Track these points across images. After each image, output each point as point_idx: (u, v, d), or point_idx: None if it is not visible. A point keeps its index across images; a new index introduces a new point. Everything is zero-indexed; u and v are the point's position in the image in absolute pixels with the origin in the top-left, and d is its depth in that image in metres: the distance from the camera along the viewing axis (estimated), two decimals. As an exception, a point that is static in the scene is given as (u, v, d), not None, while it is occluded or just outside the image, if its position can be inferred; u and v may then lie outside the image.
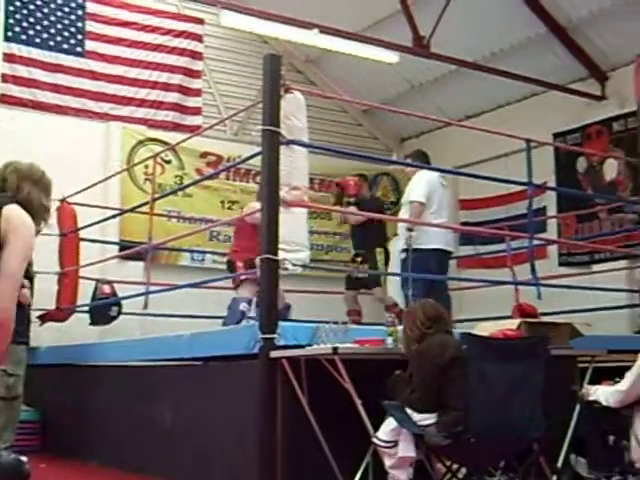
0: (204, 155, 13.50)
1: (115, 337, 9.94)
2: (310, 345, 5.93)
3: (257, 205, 9.50)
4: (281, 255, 6.35)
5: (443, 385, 5.03)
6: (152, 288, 9.36)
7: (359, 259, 9.85)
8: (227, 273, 9.50)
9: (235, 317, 8.52)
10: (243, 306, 8.51)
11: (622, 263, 11.39)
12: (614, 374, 6.26)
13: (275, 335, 6.06)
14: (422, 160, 9.15)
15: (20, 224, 3.72)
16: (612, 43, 11.89)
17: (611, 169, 12.05)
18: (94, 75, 12.84)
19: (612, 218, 10.66)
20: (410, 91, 14.35)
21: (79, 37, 12.78)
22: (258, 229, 8.89)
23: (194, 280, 9.87)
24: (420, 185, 8.75)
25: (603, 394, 6.03)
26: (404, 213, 8.93)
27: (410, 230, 8.62)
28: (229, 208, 13.50)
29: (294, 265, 6.61)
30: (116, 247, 11.83)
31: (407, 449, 5.04)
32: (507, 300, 9.59)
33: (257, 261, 6.48)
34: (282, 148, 6.51)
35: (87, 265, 10.32)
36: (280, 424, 5.99)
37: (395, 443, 5.12)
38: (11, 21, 12.21)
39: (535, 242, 9.28)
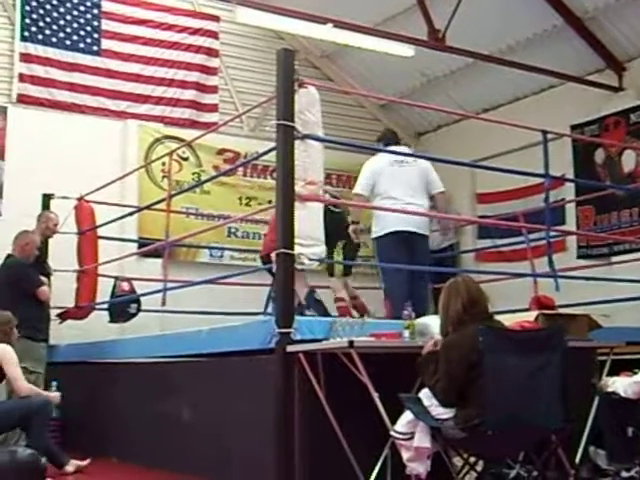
0: (221, 152, 13.54)
1: (134, 334, 9.96)
2: (327, 339, 5.93)
3: None
4: (297, 250, 6.34)
5: (469, 380, 4.98)
6: (170, 285, 9.37)
7: None
8: (245, 269, 9.52)
9: (318, 308, 8.72)
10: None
11: (641, 255, 11.33)
12: (634, 366, 6.24)
13: (291, 330, 6.05)
14: (390, 139, 8.92)
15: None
16: (629, 34, 11.83)
17: (629, 160, 12.00)
18: (110, 73, 12.89)
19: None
20: (426, 85, 14.32)
21: (95, 36, 12.82)
22: None
23: (213, 276, 9.88)
24: (362, 175, 8.59)
25: (621, 385, 6.03)
26: None
27: (354, 223, 8.57)
28: (247, 204, 13.51)
29: (310, 260, 6.61)
30: (134, 245, 11.86)
31: (423, 440, 5.02)
32: (526, 293, 9.52)
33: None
34: (297, 143, 6.50)
35: (106, 263, 10.37)
36: (298, 418, 5.99)
37: (412, 435, 5.09)
38: (27, 21, 12.26)
39: (553, 234, 9.26)
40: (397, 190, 8.38)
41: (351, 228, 8.59)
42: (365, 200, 8.50)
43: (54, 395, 7.84)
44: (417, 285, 8.28)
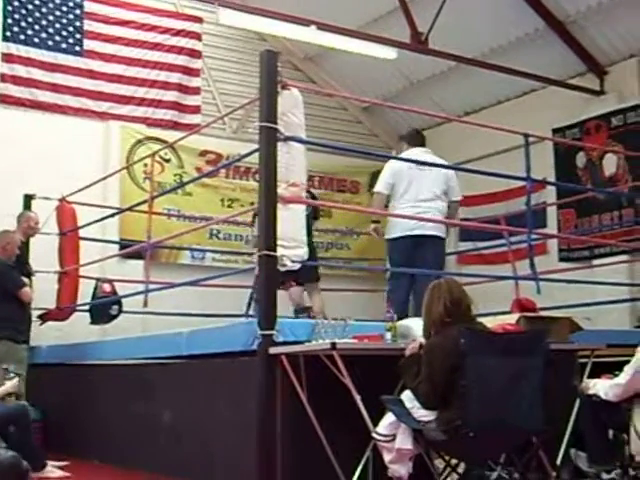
0: (203, 153, 13.53)
1: (116, 336, 9.93)
2: (309, 341, 5.93)
3: None
4: (279, 252, 6.34)
5: (451, 383, 4.98)
6: (152, 286, 9.36)
7: None
8: (227, 270, 9.53)
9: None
10: None
11: (622, 257, 11.39)
12: (615, 368, 6.26)
13: (274, 332, 6.05)
14: (415, 140, 8.91)
15: None
16: (610, 38, 11.91)
17: (610, 164, 12.06)
18: (93, 74, 12.86)
19: None
20: (409, 88, 14.37)
21: (77, 36, 12.79)
22: None
23: (194, 278, 9.87)
24: (383, 174, 8.62)
25: (602, 388, 6.04)
26: None
27: (375, 222, 8.68)
28: (229, 206, 13.51)
29: (292, 262, 6.61)
30: (116, 246, 11.83)
31: (404, 442, 5.04)
32: (508, 295, 9.56)
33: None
34: (279, 145, 6.49)
35: (87, 264, 10.31)
36: (280, 420, 5.99)
37: (394, 437, 5.11)
38: (9, 21, 12.23)
39: (534, 237, 9.29)
40: (414, 193, 8.40)
41: (372, 227, 8.70)
42: (385, 199, 8.51)
43: (11, 384, 7.70)
44: (421, 286, 8.26)
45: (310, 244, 8.74)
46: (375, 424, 5.32)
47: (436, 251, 8.48)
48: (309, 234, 8.70)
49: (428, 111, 11.70)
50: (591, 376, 6.49)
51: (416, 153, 8.63)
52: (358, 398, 5.45)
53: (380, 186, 8.54)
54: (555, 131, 12.59)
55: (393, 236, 8.44)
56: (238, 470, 6.38)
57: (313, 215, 9.51)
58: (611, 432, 6.25)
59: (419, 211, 8.28)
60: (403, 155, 8.73)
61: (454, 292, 5.31)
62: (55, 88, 12.49)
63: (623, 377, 5.90)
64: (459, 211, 9.32)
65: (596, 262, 11.90)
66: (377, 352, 5.92)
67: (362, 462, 5.72)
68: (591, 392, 6.13)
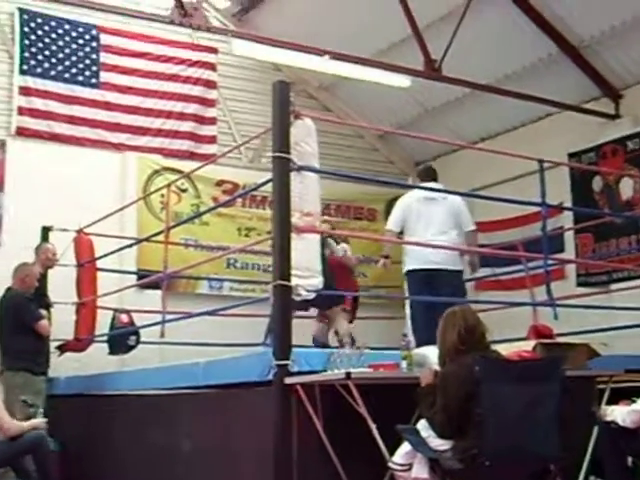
0: (220, 183, 13.58)
1: (134, 366, 9.94)
2: (324, 371, 5.92)
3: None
4: (294, 281, 6.34)
5: (466, 412, 4.95)
6: (169, 317, 9.36)
7: None
8: (244, 300, 9.54)
9: None
10: None
11: (641, 282, 11.33)
12: (635, 394, 6.22)
13: (289, 362, 6.04)
14: (426, 175, 8.99)
15: None
16: (624, 61, 11.91)
17: (627, 187, 12.02)
18: (109, 106, 12.97)
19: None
20: (424, 115, 14.39)
21: (94, 69, 12.91)
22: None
23: (212, 308, 9.86)
24: (394, 211, 8.80)
25: (620, 414, 6.00)
26: None
27: (385, 257, 8.83)
28: (246, 235, 13.54)
29: (307, 291, 6.62)
30: (134, 276, 11.86)
31: (421, 471, 5.01)
32: (526, 322, 9.51)
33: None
34: (293, 174, 6.51)
35: (105, 295, 10.35)
36: (296, 450, 5.96)
37: (410, 467, 5.08)
38: (26, 54, 12.37)
39: (551, 262, 9.26)
40: (422, 227, 8.49)
41: (381, 262, 8.87)
42: (395, 235, 8.70)
43: (39, 422, 7.77)
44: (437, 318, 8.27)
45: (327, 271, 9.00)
46: (391, 453, 5.30)
47: (452, 283, 8.51)
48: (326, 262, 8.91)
49: (443, 138, 11.72)
50: (610, 402, 6.46)
51: (412, 193, 8.79)
52: (374, 427, 5.43)
53: (390, 224, 8.71)
54: (571, 156, 12.57)
55: (408, 269, 8.56)
56: (255, 500, 6.36)
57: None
58: (630, 459, 6.21)
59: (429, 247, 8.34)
60: (414, 191, 8.85)
61: (468, 320, 5.30)
62: (72, 120, 12.59)
63: (640, 403, 5.88)
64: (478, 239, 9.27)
65: (614, 287, 11.83)
66: (392, 381, 5.90)
67: (380, 492, 5.71)
68: (609, 419, 6.09)
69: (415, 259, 8.46)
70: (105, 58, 13.03)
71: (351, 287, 10.17)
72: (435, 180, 8.93)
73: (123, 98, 13.11)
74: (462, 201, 8.89)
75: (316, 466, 5.93)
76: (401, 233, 8.67)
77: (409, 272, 8.56)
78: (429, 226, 8.48)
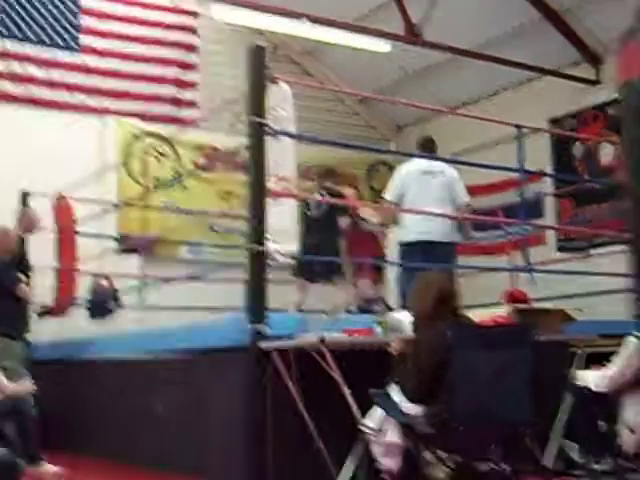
0: (200, 147, 13.49)
1: (114, 330, 9.96)
2: (299, 335, 5.94)
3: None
4: (270, 246, 6.35)
5: (438, 377, 4.98)
6: (149, 281, 9.37)
7: None
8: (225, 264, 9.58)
9: None
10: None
11: (621, 247, 11.35)
12: (609, 359, 6.26)
13: (264, 326, 6.07)
14: (424, 148, 8.94)
15: None
16: (606, 27, 11.86)
17: (607, 153, 12.04)
18: (89, 70, 12.86)
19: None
20: (405, 79, 14.36)
21: (73, 32, 12.79)
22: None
23: (193, 272, 9.87)
24: (392, 182, 8.73)
25: (592, 379, 6.04)
26: None
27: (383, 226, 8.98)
28: (226, 200, 13.48)
29: (283, 256, 6.62)
30: (114, 241, 11.84)
31: (393, 436, 5.04)
32: (504, 287, 9.58)
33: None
34: (269, 139, 6.51)
35: (85, 259, 10.33)
36: (270, 413, 6.01)
37: (383, 431, 5.11)
38: (5, 17, 12.22)
39: (530, 228, 9.30)
40: (422, 200, 8.42)
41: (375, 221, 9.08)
42: (394, 206, 8.65)
43: (27, 386, 7.75)
44: None
45: (334, 242, 9.52)
46: (366, 418, 5.33)
47: (446, 256, 8.51)
48: (334, 233, 9.51)
49: (424, 103, 11.69)
50: (585, 367, 6.50)
51: (424, 160, 8.72)
52: (347, 392, 5.46)
53: (389, 195, 8.65)
54: (552, 121, 12.59)
55: (404, 240, 8.54)
56: (230, 463, 6.39)
57: (338, 213, 9.75)
58: (602, 423, 6.26)
59: (426, 218, 8.31)
60: (412, 162, 8.78)
61: (442, 286, 5.31)
62: (51, 84, 12.49)
63: (612, 368, 5.91)
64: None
65: (594, 252, 11.88)
66: (366, 346, 5.93)
67: (352, 455, 5.74)
68: (581, 384, 6.14)
69: (411, 231, 8.47)
70: (85, 21, 12.91)
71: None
72: (433, 152, 8.92)
73: (103, 62, 12.99)
74: (457, 175, 8.86)
75: (290, 430, 5.97)
76: (397, 205, 8.65)
77: (404, 244, 8.55)
78: (427, 199, 8.42)
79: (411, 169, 8.63)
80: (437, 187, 8.51)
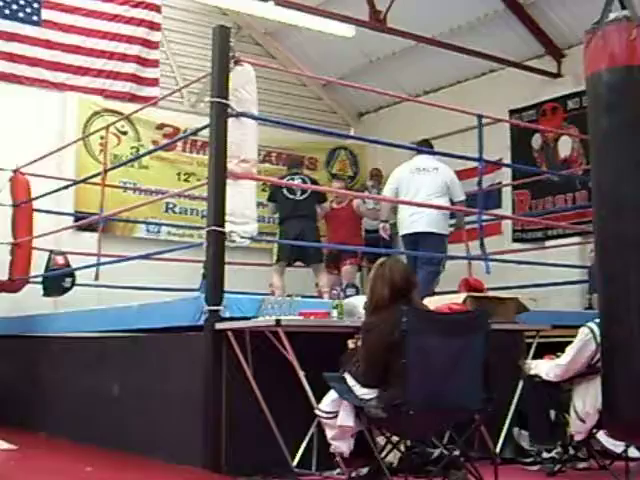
0: (161, 127, 13.40)
1: (69, 308, 9.90)
2: (255, 317, 5.96)
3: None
4: (229, 227, 6.37)
5: (388, 362, 5.02)
6: (105, 259, 9.31)
7: None
8: (182, 245, 9.56)
9: None
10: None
11: (575, 239, 11.49)
12: (562, 349, 6.35)
13: (220, 307, 6.09)
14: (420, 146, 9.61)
15: None
16: (569, 20, 11.93)
17: (565, 146, 12.15)
18: (50, 44, 12.68)
19: None
20: (368, 65, 14.37)
21: (35, 6, 12.59)
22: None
23: (149, 252, 9.83)
24: (388, 181, 9.56)
25: (544, 368, 6.14)
26: None
27: (383, 221, 9.55)
28: (185, 180, 13.39)
29: (242, 237, 6.63)
30: (70, 218, 11.74)
31: (346, 419, 5.08)
32: (460, 275, 9.65)
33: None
34: (231, 120, 6.51)
35: (41, 236, 10.26)
36: (225, 395, 6.04)
37: (336, 414, 5.14)
38: (-35, -11, 12.07)
39: (486, 218, 9.39)
40: (411, 196, 9.14)
41: (380, 226, 9.55)
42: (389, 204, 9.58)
43: None
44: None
45: (315, 228, 10.16)
46: (320, 400, 5.36)
47: (430, 244, 9.05)
48: (314, 219, 10.15)
49: (386, 89, 11.69)
50: (537, 357, 6.58)
51: (420, 159, 9.36)
52: (302, 374, 5.50)
53: (385, 193, 9.49)
54: (512, 112, 12.66)
55: (400, 233, 9.36)
56: (184, 444, 6.40)
57: (318, 199, 10.33)
58: (552, 412, 6.35)
59: (414, 212, 9.03)
60: (409, 161, 9.43)
61: (398, 273, 5.33)
62: (11, 58, 12.30)
63: (564, 358, 6.01)
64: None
65: (549, 243, 12.01)
66: (322, 329, 5.95)
67: (307, 438, 5.78)
68: (533, 372, 6.23)
69: (403, 227, 9.24)
70: (48, -5, 12.77)
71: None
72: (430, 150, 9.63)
73: (65, 37, 12.81)
74: (453, 174, 9.40)
75: (245, 410, 6.01)
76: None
77: (401, 236, 9.38)
78: (417, 194, 9.08)
79: (406, 168, 9.34)
80: (428, 183, 9.14)
